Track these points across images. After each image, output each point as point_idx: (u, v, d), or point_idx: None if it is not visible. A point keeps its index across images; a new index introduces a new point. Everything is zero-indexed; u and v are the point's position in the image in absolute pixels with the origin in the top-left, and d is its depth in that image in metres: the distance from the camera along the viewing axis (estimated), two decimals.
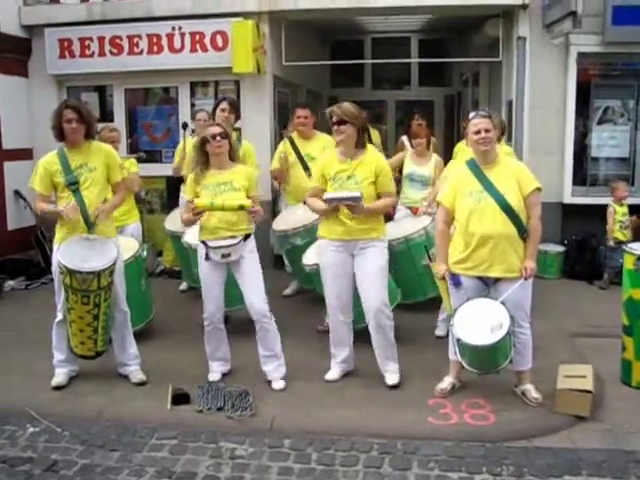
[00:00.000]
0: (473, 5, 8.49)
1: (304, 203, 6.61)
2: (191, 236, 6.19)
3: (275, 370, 5.18)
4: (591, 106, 8.64)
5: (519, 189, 4.57)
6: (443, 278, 4.83)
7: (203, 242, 5.03)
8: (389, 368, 5.16)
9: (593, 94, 8.61)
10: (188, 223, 5.18)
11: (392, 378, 5.12)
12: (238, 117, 7.05)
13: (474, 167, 4.71)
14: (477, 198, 4.61)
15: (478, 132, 4.61)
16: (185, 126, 7.60)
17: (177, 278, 8.10)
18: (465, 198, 4.67)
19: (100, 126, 7.06)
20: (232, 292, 5.34)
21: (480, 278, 4.72)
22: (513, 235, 4.57)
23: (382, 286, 5.05)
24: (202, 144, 5.02)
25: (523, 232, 4.59)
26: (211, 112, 6.88)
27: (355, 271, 5.04)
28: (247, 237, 5.05)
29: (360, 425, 4.53)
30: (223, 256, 4.97)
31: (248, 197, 5.00)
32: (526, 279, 4.61)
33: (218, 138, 4.96)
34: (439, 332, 6.17)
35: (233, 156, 5.16)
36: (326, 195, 4.91)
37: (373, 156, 5.04)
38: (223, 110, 6.55)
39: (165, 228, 7.20)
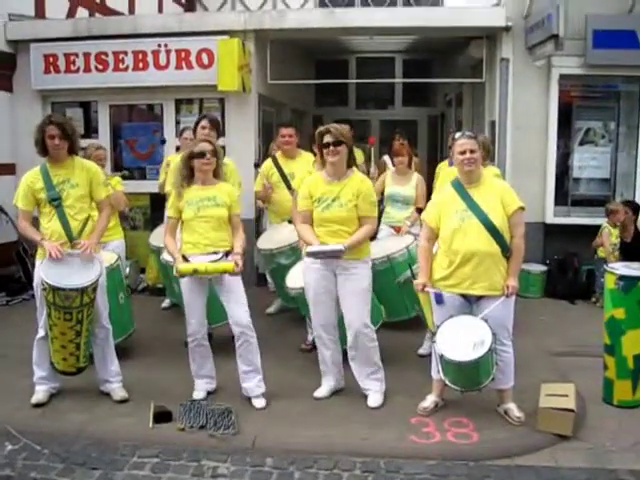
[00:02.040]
0: (457, 27, 8.59)
1: (289, 222, 6.65)
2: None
3: (256, 386, 5.15)
4: (573, 127, 8.77)
5: (503, 208, 4.62)
6: (423, 290, 4.84)
7: (184, 257, 5.02)
8: (372, 387, 5.15)
9: (575, 115, 8.74)
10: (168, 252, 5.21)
11: (374, 400, 5.10)
12: (219, 135, 7.05)
13: (458, 187, 4.76)
14: (461, 217, 4.65)
15: (463, 152, 4.65)
16: (163, 142, 7.60)
17: (159, 295, 8.06)
18: (450, 217, 4.71)
19: (86, 143, 7.07)
20: (214, 309, 5.32)
21: (463, 296, 4.74)
22: (496, 254, 4.61)
23: (364, 307, 5.05)
24: (189, 159, 5.02)
25: (506, 251, 4.63)
26: (192, 130, 6.88)
27: (338, 291, 5.04)
28: (229, 253, 5.03)
29: (343, 443, 4.52)
30: None
31: (231, 215, 5.05)
32: (508, 297, 4.64)
33: (208, 155, 4.97)
34: (422, 351, 6.17)
35: (218, 173, 5.16)
36: (310, 249, 4.89)
37: (357, 178, 5.04)
38: (204, 128, 6.53)
39: (150, 244, 7.17)
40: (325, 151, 4.93)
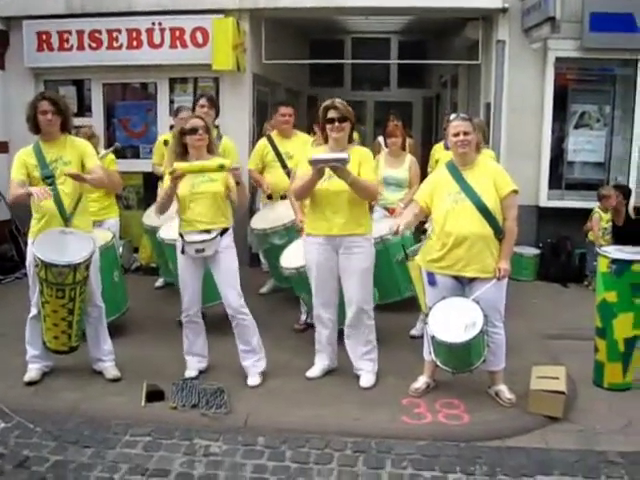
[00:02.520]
0: (453, 8, 8.52)
1: (282, 198, 6.64)
2: (166, 231, 6.17)
3: (253, 365, 5.17)
4: (568, 110, 8.73)
5: (496, 191, 4.62)
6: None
7: (180, 235, 5.01)
8: (365, 367, 5.17)
9: (570, 99, 8.70)
10: (164, 204, 5.04)
11: (366, 380, 5.12)
12: (217, 114, 7.05)
13: (452, 169, 4.76)
14: (455, 199, 4.66)
15: (457, 134, 4.65)
16: (166, 143, 7.56)
17: (153, 275, 8.06)
18: (443, 199, 4.72)
19: (79, 122, 7.03)
20: (209, 288, 5.32)
21: (455, 278, 4.76)
22: (489, 236, 4.62)
23: (366, 286, 5.05)
24: (181, 135, 5.00)
25: (499, 233, 4.65)
26: (191, 109, 6.86)
27: (340, 270, 5.03)
28: (224, 232, 5.03)
29: (334, 423, 4.54)
30: (197, 251, 4.95)
31: (227, 188, 4.99)
32: (499, 279, 4.66)
33: (200, 131, 4.94)
34: (413, 332, 6.21)
35: (211, 149, 5.12)
36: (313, 156, 4.77)
37: (358, 149, 5.06)
38: (202, 106, 6.59)
39: (143, 223, 7.15)
40: (329, 127, 4.89)
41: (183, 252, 5.01)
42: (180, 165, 4.80)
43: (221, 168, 4.76)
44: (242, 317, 5.10)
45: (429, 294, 4.89)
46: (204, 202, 4.95)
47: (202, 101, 6.66)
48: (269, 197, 6.99)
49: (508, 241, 4.70)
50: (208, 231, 4.96)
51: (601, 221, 8.04)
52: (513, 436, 4.46)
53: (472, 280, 4.72)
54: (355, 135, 8.29)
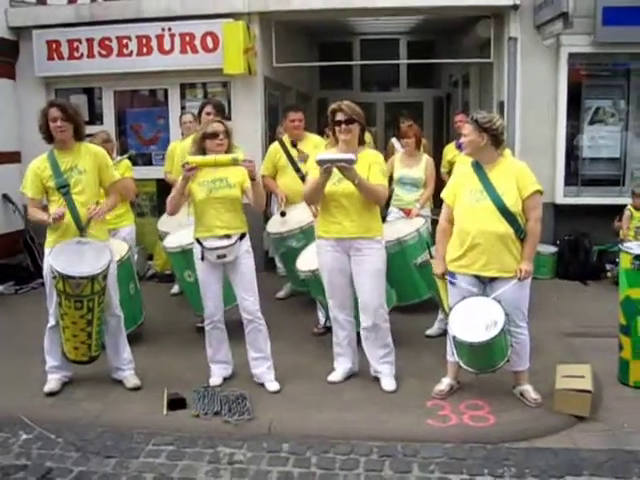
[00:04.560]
0: (464, 6, 8.49)
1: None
2: (170, 239, 6.18)
3: (265, 372, 5.14)
4: (582, 106, 8.66)
5: (518, 191, 4.55)
6: (441, 277, 4.80)
7: (198, 241, 4.97)
8: (383, 371, 5.12)
9: (584, 94, 8.63)
10: (177, 201, 4.94)
11: (388, 384, 5.07)
12: (225, 119, 6.99)
13: (477, 167, 4.71)
14: (476, 198, 4.61)
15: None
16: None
17: (168, 282, 8.04)
18: (464, 197, 4.68)
19: (92, 130, 7.03)
20: (224, 291, 5.23)
21: (476, 277, 4.70)
22: (508, 236, 4.55)
23: (379, 287, 5.01)
24: (201, 140, 4.95)
25: (520, 233, 4.57)
26: (197, 115, 6.82)
27: (352, 272, 4.99)
28: (242, 237, 5.00)
29: (359, 428, 4.49)
30: (219, 257, 4.91)
31: (245, 188, 4.96)
32: (520, 280, 4.59)
33: (221, 136, 4.92)
34: (429, 332, 6.17)
35: (229, 154, 5.06)
36: (319, 156, 4.75)
37: (368, 152, 5.02)
38: (208, 114, 6.50)
39: (158, 230, 7.14)
40: (337, 129, 4.88)
41: (203, 258, 4.97)
42: (193, 158, 4.77)
43: (234, 161, 4.72)
44: (258, 322, 5.07)
45: (451, 294, 4.84)
46: (222, 207, 4.92)
47: (208, 108, 6.57)
48: (282, 214, 6.85)
49: (530, 242, 4.62)
50: (228, 236, 4.92)
51: (632, 219, 7.86)
52: (540, 437, 4.40)
53: (493, 280, 4.66)
54: (367, 137, 8.26)
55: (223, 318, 5.20)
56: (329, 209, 4.95)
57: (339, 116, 4.85)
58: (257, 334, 5.10)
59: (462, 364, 4.71)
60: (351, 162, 4.63)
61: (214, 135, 4.91)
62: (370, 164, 4.88)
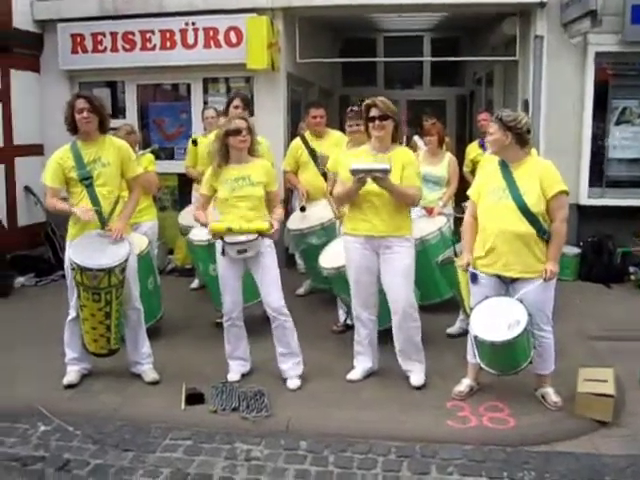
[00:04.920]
0: (490, 3, 8.41)
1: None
2: (196, 232, 6.15)
3: (291, 368, 5.11)
4: (609, 106, 8.51)
5: (542, 190, 4.48)
6: (466, 270, 4.75)
7: (220, 237, 4.96)
8: (414, 369, 5.09)
9: (611, 94, 8.49)
10: (199, 223, 5.12)
11: (417, 379, 5.04)
12: (251, 114, 6.99)
13: (502, 165, 4.65)
14: (498, 196, 4.55)
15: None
16: (195, 142, 7.53)
17: (188, 276, 8.05)
18: (487, 195, 4.63)
19: (117, 124, 7.03)
20: (245, 288, 5.24)
21: (499, 277, 4.64)
22: (530, 235, 4.48)
23: (409, 286, 4.96)
24: (225, 137, 4.93)
25: (543, 233, 4.50)
26: (224, 109, 6.80)
27: (381, 271, 4.95)
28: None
29: (377, 427, 4.46)
30: (239, 252, 4.88)
31: (267, 192, 4.98)
32: (545, 280, 4.52)
33: (244, 132, 4.89)
34: (450, 330, 6.13)
35: (252, 151, 5.07)
36: (353, 166, 4.71)
37: (401, 150, 4.97)
38: (236, 107, 6.47)
39: (179, 224, 7.13)
40: (371, 125, 4.84)
41: (224, 253, 4.94)
42: (216, 226, 4.83)
43: (259, 233, 4.80)
44: (284, 318, 5.04)
45: (472, 293, 4.78)
46: (245, 205, 4.90)
47: (236, 102, 6.54)
48: (302, 209, 6.84)
49: (556, 242, 4.54)
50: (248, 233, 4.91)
51: None
52: (560, 440, 4.33)
53: (515, 280, 4.60)
54: None
55: (242, 315, 5.18)
56: (360, 207, 4.91)
57: (373, 112, 4.81)
58: (283, 330, 5.07)
59: (484, 366, 4.65)
60: (386, 172, 4.61)
61: (237, 132, 4.88)
62: (404, 165, 4.83)
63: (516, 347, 4.47)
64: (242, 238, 4.85)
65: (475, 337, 4.54)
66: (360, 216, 4.91)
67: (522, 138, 4.57)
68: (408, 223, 5.00)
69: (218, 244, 5.00)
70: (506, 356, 4.57)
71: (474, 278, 4.70)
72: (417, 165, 5.01)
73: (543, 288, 4.52)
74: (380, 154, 4.87)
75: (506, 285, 4.66)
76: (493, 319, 4.47)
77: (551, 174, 4.56)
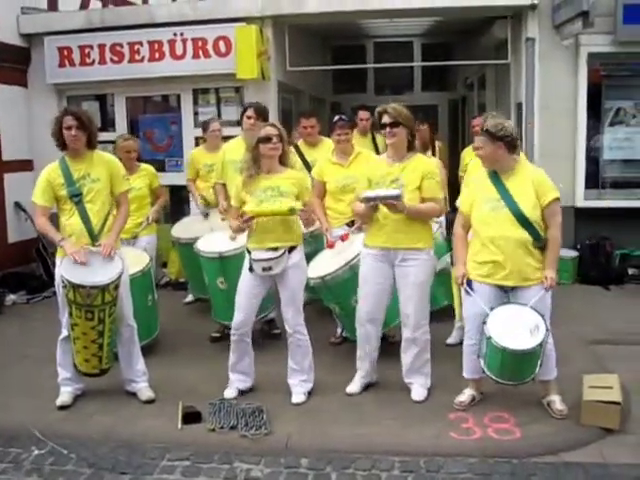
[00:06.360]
0: (481, 7, 8.36)
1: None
2: (204, 243, 6.03)
3: (298, 385, 5.01)
4: (602, 107, 8.49)
5: (537, 199, 4.44)
6: (462, 281, 4.65)
7: (248, 251, 4.86)
8: (417, 381, 4.99)
9: (604, 95, 8.47)
10: (237, 231, 5.00)
11: (418, 393, 4.93)
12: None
13: (493, 175, 4.60)
14: (493, 206, 4.50)
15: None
16: None
17: (182, 290, 7.93)
18: (481, 205, 4.57)
19: (107, 137, 6.93)
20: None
21: (497, 286, 4.56)
22: (527, 243, 4.45)
23: (422, 300, 4.85)
24: (256, 145, 4.78)
25: (539, 241, 4.46)
26: (239, 119, 6.69)
27: (397, 283, 4.85)
28: (292, 249, 4.84)
29: (380, 442, 4.35)
30: (264, 269, 4.76)
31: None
32: (547, 289, 4.46)
33: (274, 140, 4.75)
34: (450, 340, 6.04)
35: (284, 160, 4.92)
36: (364, 194, 4.64)
37: (422, 160, 4.86)
38: (249, 117, 6.28)
39: (172, 236, 7.01)
40: (383, 132, 4.78)
41: (251, 270, 4.82)
42: (250, 209, 4.68)
43: (292, 212, 4.64)
44: (298, 337, 4.94)
45: (465, 302, 4.71)
46: (273, 219, 4.75)
47: (249, 112, 6.30)
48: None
49: (552, 249, 4.50)
50: (276, 249, 4.77)
51: None
52: (568, 450, 4.23)
53: (514, 288, 4.54)
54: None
55: (250, 331, 5.04)
56: (378, 218, 4.80)
57: (384, 119, 4.72)
58: (297, 349, 4.98)
59: (493, 377, 4.51)
60: (398, 198, 4.52)
61: (267, 139, 4.73)
62: (424, 175, 4.73)
63: (534, 354, 4.36)
64: (266, 255, 4.75)
65: (494, 344, 4.37)
66: (376, 227, 4.80)
67: (512, 144, 4.53)
68: (426, 235, 4.86)
69: (247, 260, 4.89)
70: (523, 364, 4.45)
71: (471, 289, 4.61)
72: (438, 174, 4.89)
73: (543, 295, 4.47)
74: (396, 163, 4.78)
75: (505, 293, 4.59)
76: (512, 327, 4.36)
77: (544, 182, 4.53)
